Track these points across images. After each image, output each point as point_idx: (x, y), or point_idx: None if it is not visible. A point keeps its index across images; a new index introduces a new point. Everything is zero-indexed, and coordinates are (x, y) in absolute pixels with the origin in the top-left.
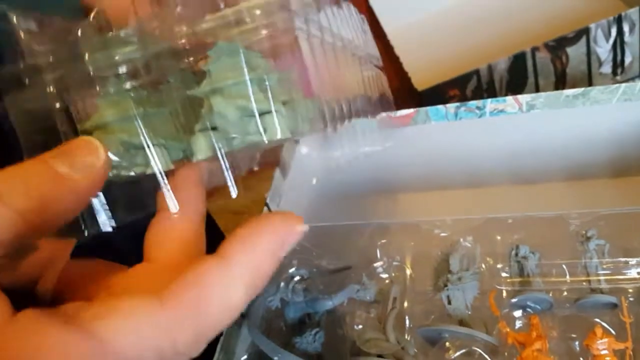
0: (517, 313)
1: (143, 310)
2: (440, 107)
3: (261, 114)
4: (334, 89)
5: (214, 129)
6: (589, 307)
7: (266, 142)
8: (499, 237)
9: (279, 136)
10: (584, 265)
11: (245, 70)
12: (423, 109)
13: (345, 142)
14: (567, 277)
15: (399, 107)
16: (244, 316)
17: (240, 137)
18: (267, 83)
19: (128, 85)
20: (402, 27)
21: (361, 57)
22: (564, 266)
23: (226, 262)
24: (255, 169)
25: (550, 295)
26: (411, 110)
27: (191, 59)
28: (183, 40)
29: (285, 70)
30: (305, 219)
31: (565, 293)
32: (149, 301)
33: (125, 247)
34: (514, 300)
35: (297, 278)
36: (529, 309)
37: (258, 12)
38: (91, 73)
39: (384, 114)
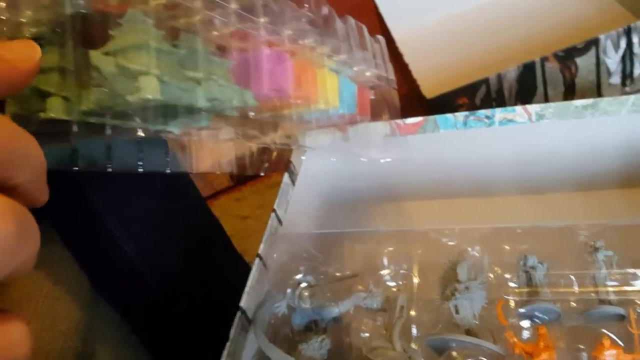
0: (525, 323)
1: None
2: (449, 115)
3: (139, 75)
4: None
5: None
6: (597, 318)
7: (133, 100)
8: (507, 247)
9: (147, 95)
10: (592, 276)
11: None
12: (432, 118)
13: (354, 149)
14: (575, 287)
15: (407, 114)
16: (250, 322)
17: (119, 96)
18: (156, 48)
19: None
20: (411, 34)
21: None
22: (572, 277)
23: None
24: (262, 174)
25: (558, 305)
26: (420, 119)
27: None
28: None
29: (222, 59)
30: (312, 225)
31: (573, 304)
32: None
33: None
34: (521, 310)
35: (303, 285)
36: (536, 319)
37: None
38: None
39: (392, 122)
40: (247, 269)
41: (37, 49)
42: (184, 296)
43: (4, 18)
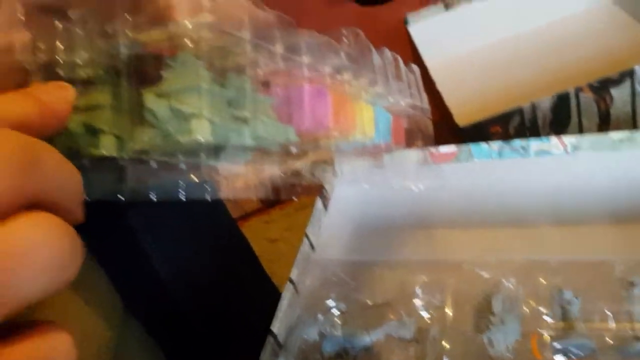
0: (559, 358)
1: None
2: (484, 145)
3: (191, 117)
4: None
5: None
6: (632, 355)
7: (185, 141)
8: (542, 280)
9: (199, 136)
10: (628, 312)
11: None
12: (466, 147)
13: (388, 177)
14: (611, 323)
15: (439, 142)
16: (281, 346)
17: (170, 136)
18: (207, 90)
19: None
20: (444, 62)
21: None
22: (607, 312)
23: None
24: (295, 199)
25: (593, 341)
26: (454, 148)
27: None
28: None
29: (266, 96)
30: (344, 251)
31: (608, 340)
32: None
33: None
34: (556, 345)
35: (335, 311)
36: (571, 355)
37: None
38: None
39: (426, 150)
40: (275, 292)
41: (72, 91)
42: (214, 316)
43: (61, 60)
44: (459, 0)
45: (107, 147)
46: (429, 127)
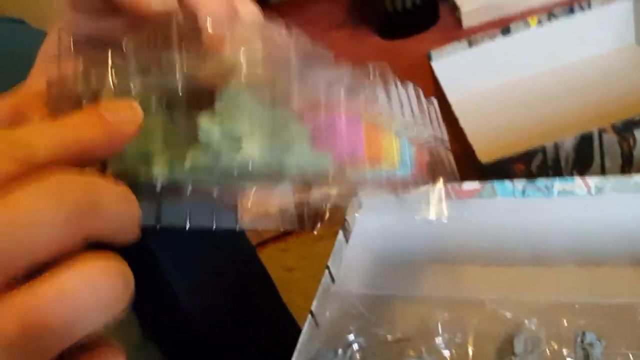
0: None
1: None
2: (507, 183)
3: (241, 138)
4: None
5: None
6: None
7: (237, 161)
8: (564, 321)
9: (249, 156)
10: None
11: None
12: (490, 184)
13: (409, 209)
14: None
15: (461, 178)
16: None
17: (222, 156)
18: (255, 115)
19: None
20: (467, 98)
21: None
22: (631, 356)
23: None
24: (315, 233)
25: None
26: (477, 185)
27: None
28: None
29: (304, 125)
30: (364, 284)
31: None
32: None
33: None
34: None
35: (355, 346)
36: None
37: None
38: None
39: (449, 186)
40: (292, 322)
41: (139, 113)
42: (230, 341)
43: (113, 87)
44: (483, 38)
45: (160, 167)
46: (451, 160)
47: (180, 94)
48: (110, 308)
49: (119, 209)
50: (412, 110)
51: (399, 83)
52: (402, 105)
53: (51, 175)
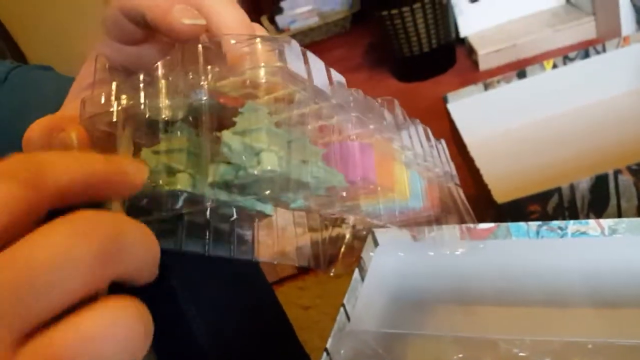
0: None
1: None
2: (522, 224)
3: (260, 151)
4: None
5: (227, 163)
6: None
7: (257, 172)
8: None
9: (268, 167)
10: None
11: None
12: (504, 225)
13: (424, 247)
14: None
15: (477, 218)
16: None
17: (243, 169)
18: (273, 130)
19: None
20: (483, 139)
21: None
22: None
23: None
24: (332, 274)
25: None
26: (492, 225)
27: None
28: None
29: (318, 148)
30: (379, 322)
31: None
32: None
33: None
34: None
35: None
36: None
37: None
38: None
39: (464, 227)
40: None
41: (146, 169)
42: None
43: (144, 108)
44: (499, 81)
45: (183, 182)
46: (462, 196)
47: (205, 112)
48: (131, 353)
49: (142, 249)
50: (421, 145)
51: (407, 118)
52: (411, 138)
53: (79, 213)
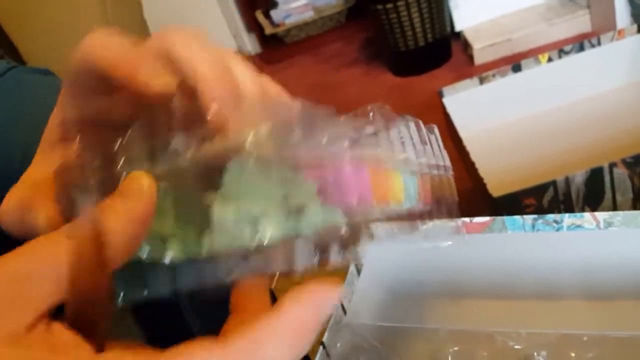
0: None
1: (204, 353)
2: (517, 217)
3: (256, 220)
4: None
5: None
6: None
7: (256, 245)
8: (573, 354)
9: (267, 238)
10: None
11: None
12: (500, 218)
13: (419, 242)
14: None
15: (473, 212)
16: None
17: (235, 239)
18: (264, 189)
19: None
20: (479, 133)
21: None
22: None
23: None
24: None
25: None
26: (487, 219)
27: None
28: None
29: (307, 181)
30: (375, 316)
31: None
32: (210, 345)
33: None
34: None
35: None
36: None
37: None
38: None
39: (459, 221)
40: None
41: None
42: None
43: (121, 172)
44: (494, 75)
45: (173, 251)
46: (452, 185)
47: (188, 175)
48: None
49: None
50: (413, 144)
51: (398, 119)
52: (403, 141)
53: None
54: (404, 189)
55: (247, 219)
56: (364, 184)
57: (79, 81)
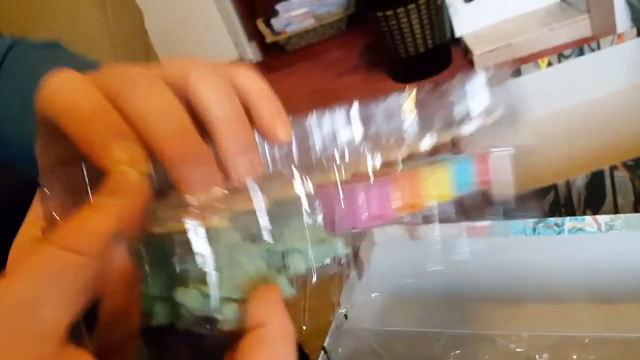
0: None
1: None
2: (518, 221)
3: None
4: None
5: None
6: None
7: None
8: (574, 357)
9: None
10: None
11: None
12: (501, 222)
13: (423, 247)
14: None
15: (474, 216)
16: None
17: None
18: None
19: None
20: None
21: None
22: None
23: None
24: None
25: None
26: (489, 222)
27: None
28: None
29: (314, 216)
30: (377, 321)
31: None
32: None
33: None
34: None
35: None
36: None
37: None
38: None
39: (460, 224)
40: (304, 358)
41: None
42: None
43: None
44: None
45: (160, 316)
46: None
47: (157, 244)
48: None
49: None
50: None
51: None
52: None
53: None
54: (451, 179)
55: (212, 302)
56: (382, 200)
57: (46, 129)
